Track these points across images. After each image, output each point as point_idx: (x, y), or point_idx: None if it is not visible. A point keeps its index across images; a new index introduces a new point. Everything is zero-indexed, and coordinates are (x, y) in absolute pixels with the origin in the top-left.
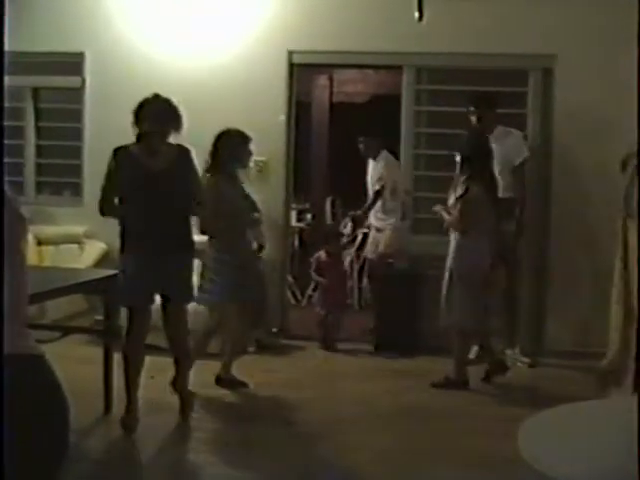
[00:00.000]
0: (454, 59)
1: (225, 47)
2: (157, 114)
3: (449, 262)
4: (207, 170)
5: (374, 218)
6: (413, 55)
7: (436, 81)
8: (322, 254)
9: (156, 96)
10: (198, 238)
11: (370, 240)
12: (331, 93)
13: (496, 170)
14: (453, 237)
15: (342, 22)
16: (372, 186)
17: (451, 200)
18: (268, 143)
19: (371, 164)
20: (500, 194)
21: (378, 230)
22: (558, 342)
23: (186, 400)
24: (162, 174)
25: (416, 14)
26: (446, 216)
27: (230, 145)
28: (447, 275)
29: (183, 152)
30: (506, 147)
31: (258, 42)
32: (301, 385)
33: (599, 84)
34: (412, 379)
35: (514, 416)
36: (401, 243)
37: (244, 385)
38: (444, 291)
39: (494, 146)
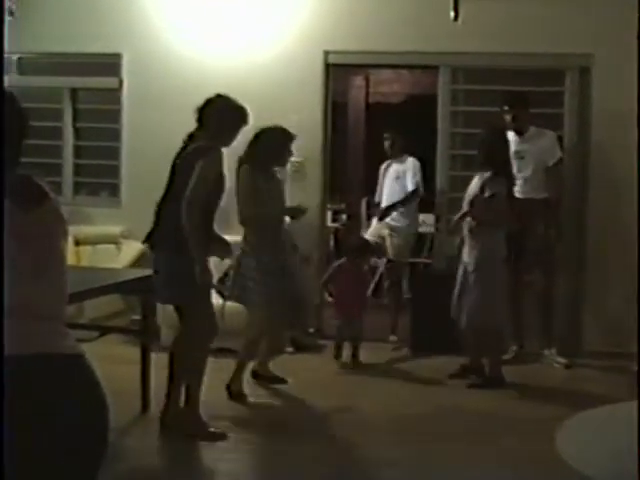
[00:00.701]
0: (490, 59)
1: (262, 47)
2: (205, 115)
3: (474, 262)
4: (242, 161)
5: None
6: (449, 55)
7: (472, 81)
8: (344, 262)
9: (217, 96)
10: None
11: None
12: (367, 93)
13: (529, 170)
14: (471, 237)
15: (378, 22)
16: (391, 187)
17: (468, 198)
18: (304, 143)
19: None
20: (533, 195)
21: (392, 231)
22: (594, 343)
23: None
24: (173, 171)
25: (452, 14)
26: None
27: (271, 142)
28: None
29: (200, 151)
30: (539, 147)
31: (294, 42)
32: (335, 385)
33: (637, 83)
34: (447, 379)
35: (551, 416)
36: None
37: (282, 381)
38: (478, 292)
39: (527, 146)
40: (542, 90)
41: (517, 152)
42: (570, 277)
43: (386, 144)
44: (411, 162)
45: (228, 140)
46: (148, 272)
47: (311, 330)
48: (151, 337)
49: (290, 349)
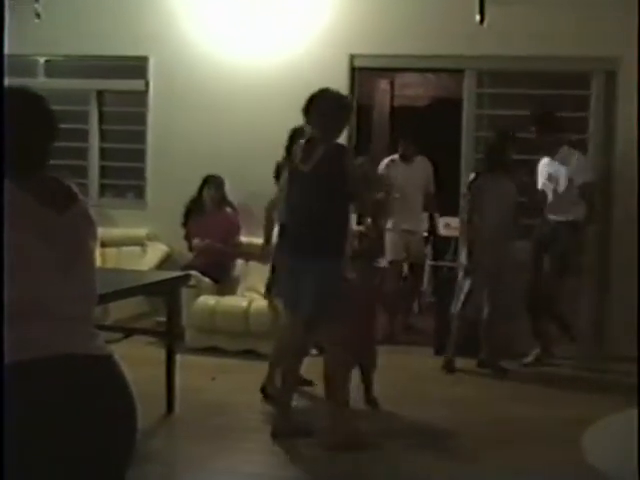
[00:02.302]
0: (516, 62)
1: (288, 50)
2: (315, 112)
3: None
4: (283, 166)
5: (409, 223)
6: (474, 58)
7: (497, 84)
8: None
9: (322, 91)
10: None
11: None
12: (392, 96)
13: (559, 189)
14: None
15: (403, 26)
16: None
17: None
18: None
19: (404, 166)
20: (562, 217)
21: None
22: (619, 346)
23: None
24: (309, 174)
25: (477, 17)
26: None
27: None
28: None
29: (334, 150)
30: (571, 168)
31: (320, 45)
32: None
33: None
34: (473, 379)
35: (577, 420)
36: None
37: (309, 383)
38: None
39: (557, 167)
40: (568, 93)
41: (549, 174)
42: (595, 282)
43: (401, 149)
44: (428, 165)
45: (338, 133)
46: (173, 274)
47: None
48: (176, 339)
49: (314, 351)
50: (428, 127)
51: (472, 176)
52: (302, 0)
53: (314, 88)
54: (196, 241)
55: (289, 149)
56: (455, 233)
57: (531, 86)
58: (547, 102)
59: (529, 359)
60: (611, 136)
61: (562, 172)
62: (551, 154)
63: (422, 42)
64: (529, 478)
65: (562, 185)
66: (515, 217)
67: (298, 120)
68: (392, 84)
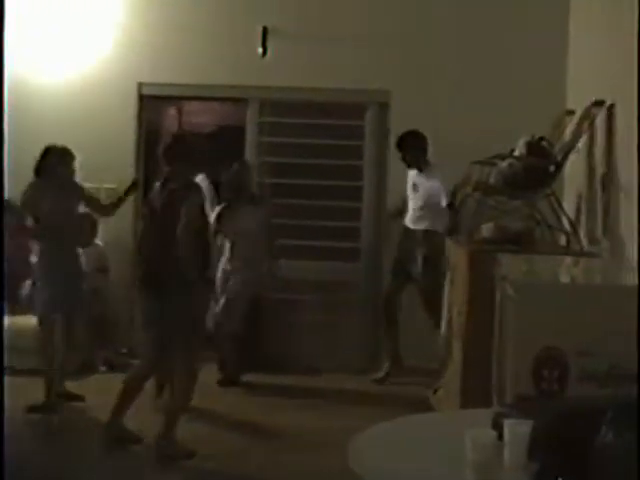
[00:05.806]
0: (296, 93)
1: (78, 78)
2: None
3: None
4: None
5: None
6: (257, 89)
7: (278, 114)
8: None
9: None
10: None
11: None
12: (180, 123)
13: (419, 203)
14: None
15: (190, 56)
16: None
17: None
18: (118, 170)
19: None
20: (417, 226)
21: None
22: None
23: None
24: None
25: (259, 50)
26: None
27: (53, 159)
28: None
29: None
30: (431, 184)
31: (110, 74)
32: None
33: (436, 116)
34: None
35: (346, 428)
36: None
37: (79, 398)
38: None
39: (421, 180)
40: (344, 123)
41: (413, 185)
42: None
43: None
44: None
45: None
46: None
47: (124, 350)
48: None
49: (103, 368)
50: (214, 153)
51: (219, 208)
52: (91, 27)
53: (103, 114)
54: None
55: (38, 169)
56: None
57: (310, 116)
58: (325, 131)
59: (380, 374)
60: (383, 162)
61: (424, 186)
62: (419, 169)
63: (207, 72)
64: None
65: (421, 198)
66: (270, 239)
67: (86, 146)
68: (180, 111)
